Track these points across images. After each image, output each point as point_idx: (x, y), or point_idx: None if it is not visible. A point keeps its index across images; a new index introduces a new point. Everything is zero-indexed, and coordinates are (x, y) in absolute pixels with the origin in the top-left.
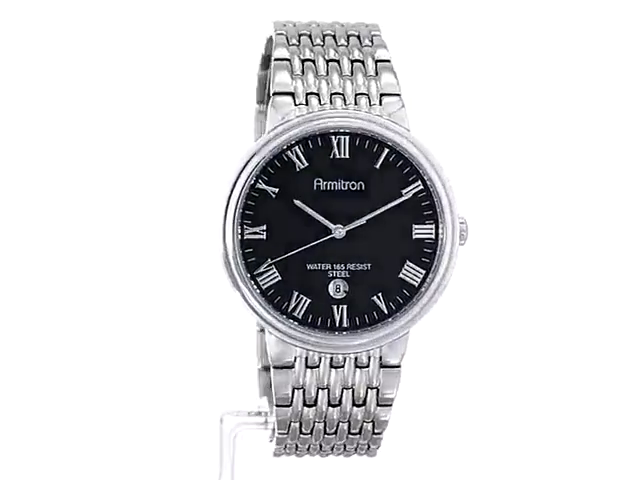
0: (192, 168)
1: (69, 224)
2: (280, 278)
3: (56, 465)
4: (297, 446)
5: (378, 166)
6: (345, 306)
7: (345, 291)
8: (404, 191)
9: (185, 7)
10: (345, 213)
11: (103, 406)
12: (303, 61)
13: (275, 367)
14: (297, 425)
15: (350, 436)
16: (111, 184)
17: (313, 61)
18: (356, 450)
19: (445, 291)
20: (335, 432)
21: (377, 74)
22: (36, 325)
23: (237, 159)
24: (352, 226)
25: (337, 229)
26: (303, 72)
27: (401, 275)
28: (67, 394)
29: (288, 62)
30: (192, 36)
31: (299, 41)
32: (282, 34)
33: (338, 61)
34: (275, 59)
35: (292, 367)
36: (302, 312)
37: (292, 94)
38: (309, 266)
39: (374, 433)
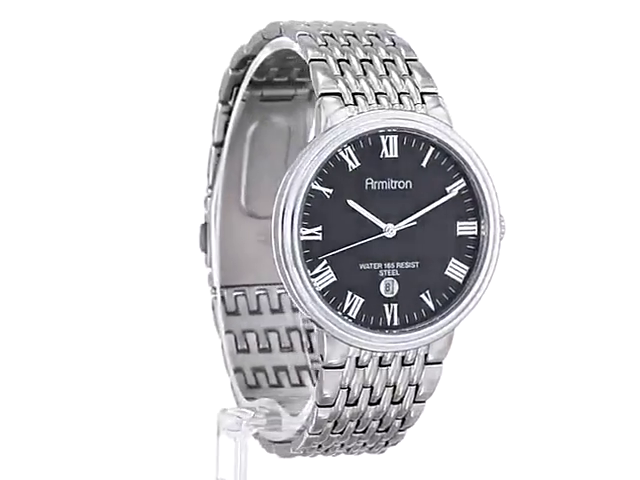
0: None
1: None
2: (335, 279)
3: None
4: (320, 446)
5: (424, 165)
6: (396, 305)
7: (395, 290)
8: (448, 189)
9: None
10: (395, 212)
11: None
12: (338, 61)
13: (325, 367)
14: (331, 425)
15: (376, 434)
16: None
17: (347, 61)
18: (371, 449)
19: (488, 287)
20: (364, 430)
21: (410, 73)
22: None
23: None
24: (402, 225)
25: (388, 228)
26: (342, 73)
27: (447, 272)
28: (52, 397)
29: (324, 62)
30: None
31: (325, 41)
32: (306, 34)
33: (370, 61)
34: (311, 60)
35: (342, 367)
36: (356, 312)
37: (339, 94)
38: (362, 266)
39: (399, 430)
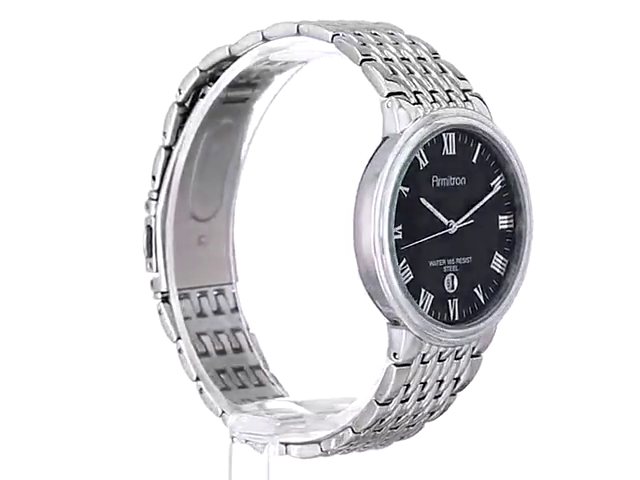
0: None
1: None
2: (412, 276)
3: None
4: (350, 445)
5: (474, 160)
6: (456, 300)
7: (455, 285)
8: (492, 184)
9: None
10: (454, 208)
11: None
12: (384, 60)
13: (397, 365)
14: (376, 424)
15: (405, 429)
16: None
17: (391, 60)
18: (382, 446)
19: (525, 280)
20: (397, 427)
21: (444, 71)
22: None
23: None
24: (462, 220)
25: (450, 224)
26: (394, 72)
27: (492, 266)
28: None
29: (375, 62)
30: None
31: (361, 41)
32: (339, 34)
33: (408, 59)
34: (363, 60)
35: (410, 364)
36: (428, 308)
37: (403, 94)
38: (431, 263)
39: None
